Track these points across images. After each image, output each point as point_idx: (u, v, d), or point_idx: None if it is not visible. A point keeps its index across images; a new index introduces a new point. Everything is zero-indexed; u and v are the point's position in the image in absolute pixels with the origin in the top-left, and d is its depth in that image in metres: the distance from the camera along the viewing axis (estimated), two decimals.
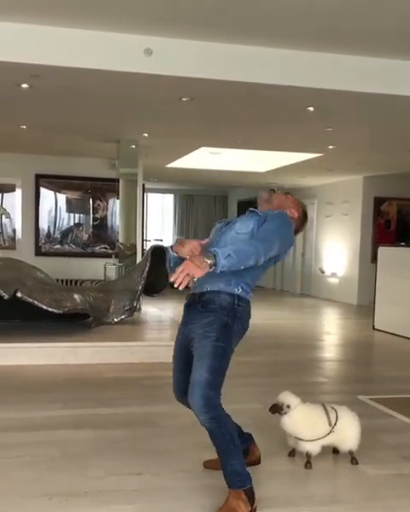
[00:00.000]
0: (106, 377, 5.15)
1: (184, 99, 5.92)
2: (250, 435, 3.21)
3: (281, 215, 2.95)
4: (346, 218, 12.28)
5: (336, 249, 12.63)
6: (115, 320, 6.55)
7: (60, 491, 2.86)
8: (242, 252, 2.60)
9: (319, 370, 5.87)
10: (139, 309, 7.60)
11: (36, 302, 5.64)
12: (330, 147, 8.53)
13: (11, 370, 5.23)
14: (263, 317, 9.57)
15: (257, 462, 3.21)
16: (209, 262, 2.49)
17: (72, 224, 10.36)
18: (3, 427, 3.77)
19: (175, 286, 2.47)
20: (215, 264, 2.50)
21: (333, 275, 12.72)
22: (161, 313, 8.37)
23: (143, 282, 6.51)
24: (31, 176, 10.07)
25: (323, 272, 13.04)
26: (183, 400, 2.90)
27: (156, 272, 6.81)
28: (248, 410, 4.16)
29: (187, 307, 2.88)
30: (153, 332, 6.91)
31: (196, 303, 2.82)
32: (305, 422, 3.26)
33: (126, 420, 3.98)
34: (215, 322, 2.72)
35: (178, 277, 2.46)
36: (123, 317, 6.58)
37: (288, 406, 3.26)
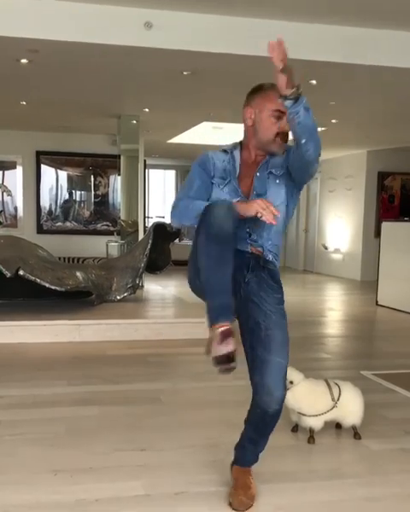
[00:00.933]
0: (110, 354, 5.17)
1: (184, 73, 5.84)
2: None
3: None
4: (349, 193, 12.21)
5: (339, 225, 12.59)
6: (118, 298, 6.56)
7: (65, 467, 2.88)
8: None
9: (322, 346, 5.88)
10: (142, 286, 7.61)
11: (38, 280, 5.64)
12: (334, 121, 8.44)
13: (15, 348, 5.25)
14: None
15: None
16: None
17: (73, 201, 10.33)
18: (8, 404, 3.79)
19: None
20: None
21: (336, 251, 12.70)
22: (164, 291, 8.37)
23: (145, 260, 6.51)
24: (31, 153, 10.02)
25: (326, 248, 13.01)
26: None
27: (159, 249, 6.81)
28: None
29: (250, 266, 2.50)
30: (156, 309, 6.92)
31: (262, 268, 2.52)
32: (308, 398, 3.27)
33: (131, 396, 3.99)
34: (282, 301, 2.60)
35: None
36: (126, 294, 6.58)
37: (291, 382, 3.26)
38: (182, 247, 13.31)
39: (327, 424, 3.30)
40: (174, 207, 2.49)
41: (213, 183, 2.55)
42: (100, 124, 8.98)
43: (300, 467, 2.99)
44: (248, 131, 2.60)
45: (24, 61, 5.55)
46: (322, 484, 2.78)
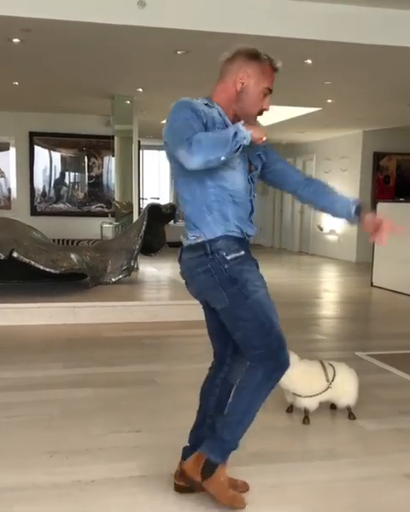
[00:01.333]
0: (105, 337, 5.17)
1: (178, 52, 5.77)
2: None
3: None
4: (345, 173, 12.17)
5: None
6: (113, 280, 6.54)
7: (61, 448, 2.88)
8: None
9: (316, 328, 5.90)
10: (137, 268, 7.59)
11: (32, 262, 5.61)
12: (329, 101, 8.38)
13: (10, 330, 5.24)
14: None
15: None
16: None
17: (67, 182, 10.26)
18: (3, 386, 3.79)
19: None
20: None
21: (332, 232, 12.69)
22: (159, 273, 8.36)
23: (140, 242, 6.48)
24: (24, 134, 9.92)
25: (321, 229, 13.00)
26: None
27: (153, 231, 6.78)
28: None
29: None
30: (151, 291, 6.91)
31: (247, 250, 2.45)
32: (303, 379, 3.28)
33: (126, 379, 4.00)
34: (255, 275, 2.47)
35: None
36: (121, 276, 6.57)
37: None
38: (177, 229, 13.27)
39: (322, 405, 3.31)
40: (195, 142, 2.08)
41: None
42: (94, 104, 8.89)
43: (294, 447, 3.00)
44: (228, 92, 2.36)
45: (16, 40, 5.46)
46: (317, 464, 2.80)
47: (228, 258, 2.27)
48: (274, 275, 9.80)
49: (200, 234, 2.28)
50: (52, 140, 10.03)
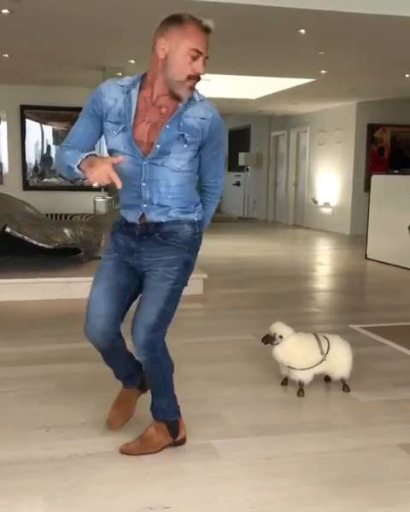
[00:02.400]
0: None
1: None
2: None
3: (222, 125, 2.44)
4: (339, 146, 12.10)
5: (328, 178, 12.52)
6: None
7: (57, 423, 2.90)
8: (209, 217, 2.64)
9: (311, 301, 5.92)
10: None
11: (26, 237, 5.59)
12: (323, 72, 8.29)
13: (4, 306, 5.24)
14: (255, 249, 9.59)
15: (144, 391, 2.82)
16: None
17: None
18: None
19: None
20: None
21: (326, 205, 12.66)
22: None
23: None
24: (15, 107, 9.80)
25: (316, 202, 12.97)
26: (102, 339, 2.58)
27: None
28: (241, 341, 4.21)
29: (137, 236, 2.42)
30: None
31: (152, 233, 2.40)
32: (297, 352, 3.30)
33: None
34: (177, 261, 2.41)
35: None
36: None
37: (280, 336, 3.28)
38: None
39: (316, 377, 3.34)
40: (57, 153, 2.39)
41: (105, 128, 2.33)
42: (85, 76, 8.77)
43: (289, 419, 3.03)
44: (156, 64, 2.28)
45: (5, 11, 5.36)
46: (310, 435, 2.83)
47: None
48: (268, 248, 9.82)
49: None
50: (44, 113, 9.91)
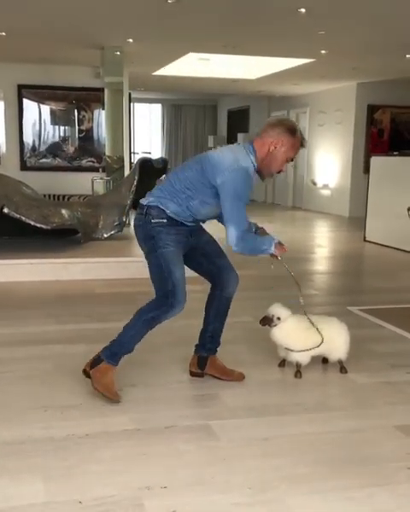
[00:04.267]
0: (98, 293, 5.17)
1: (169, 1, 5.60)
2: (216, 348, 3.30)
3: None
4: (339, 127, 12.02)
5: (328, 160, 12.46)
6: (105, 236, 6.51)
7: (55, 403, 2.91)
8: None
9: (309, 283, 5.92)
10: (129, 224, 7.54)
11: (23, 218, 5.57)
12: (323, 52, 8.21)
13: (2, 287, 5.24)
14: None
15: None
16: None
17: (57, 137, 10.07)
18: None
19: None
20: None
21: (325, 187, 12.62)
22: None
23: (131, 197, 6.43)
24: (13, 86, 9.69)
25: (315, 184, 12.93)
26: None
27: (145, 186, 6.70)
28: (240, 322, 4.21)
29: (194, 231, 3.14)
30: None
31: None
32: (295, 333, 3.30)
33: None
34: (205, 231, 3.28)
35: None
36: (112, 232, 6.53)
37: (278, 318, 3.29)
38: None
39: (314, 359, 3.34)
40: (243, 239, 2.98)
41: None
42: (83, 55, 8.67)
43: (286, 400, 3.04)
44: (264, 152, 2.95)
45: None
46: (308, 416, 2.84)
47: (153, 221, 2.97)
48: (268, 230, 9.79)
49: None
50: (41, 93, 9.80)
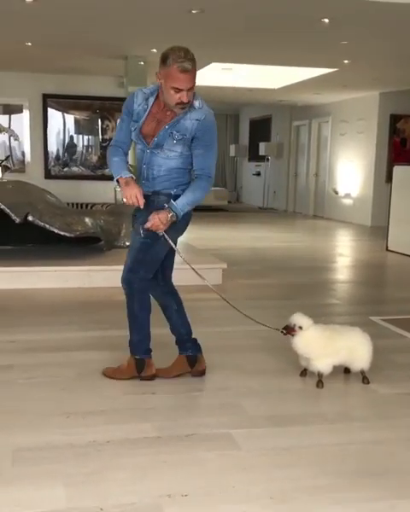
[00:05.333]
0: (120, 300, 5.12)
1: (193, 11, 5.65)
2: (199, 347, 3.43)
3: (213, 127, 3.06)
4: (361, 136, 11.99)
5: (350, 169, 12.42)
6: (127, 243, 6.50)
7: (77, 409, 2.93)
8: (197, 199, 3.04)
9: (331, 292, 5.89)
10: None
11: (47, 226, 5.62)
12: (346, 61, 8.21)
13: (27, 294, 5.29)
14: (275, 239, 9.56)
15: (203, 372, 3.40)
16: (172, 218, 2.97)
17: (80, 145, 10.17)
18: (21, 348, 3.84)
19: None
20: (177, 218, 2.99)
21: (347, 196, 12.57)
22: None
23: None
24: (38, 96, 9.84)
25: (336, 193, 12.88)
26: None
27: None
28: (261, 331, 4.18)
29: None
30: None
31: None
32: (316, 343, 3.29)
33: None
34: (145, 221, 3.03)
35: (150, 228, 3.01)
36: None
37: (300, 327, 3.28)
38: None
39: (336, 369, 3.33)
40: (107, 152, 3.12)
41: (131, 124, 3.06)
42: (107, 65, 8.77)
43: (307, 410, 3.03)
44: (160, 87, 2.97)
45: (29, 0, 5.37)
46: (329, 427, 2.83)
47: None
48: (288, 239, 9.78)
49: None
50: (66, 102, 9.94)
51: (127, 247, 6.69)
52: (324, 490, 2.27)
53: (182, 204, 2.99)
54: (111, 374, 3.33)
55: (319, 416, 2.95)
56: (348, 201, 12.59)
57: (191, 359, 3.36)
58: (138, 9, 5.73)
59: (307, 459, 2.50)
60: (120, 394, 3.14)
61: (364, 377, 3.35)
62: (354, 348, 3.30)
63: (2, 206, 5.40)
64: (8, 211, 5.41)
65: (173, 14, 5.81)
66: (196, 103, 3.01)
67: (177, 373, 3.34)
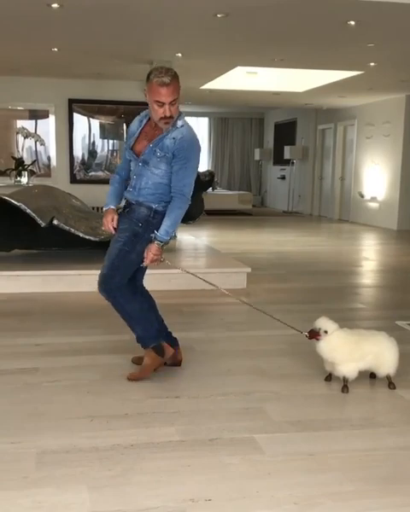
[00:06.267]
0: None
1: (218, 15, 5.66)
2: (176, 339, 3.58)
3: (189, 146, 3.14)
4: (387, 139, 11.88)
5: (376, 172, 12.31)
6: None
7: (101, 413, 2.94)
8: (177, 220, 3.24)
9: (356, 296, 5.84)
10: (175, 236, 7.57)
11: (72, 230, 5.66)
12: (372, 64, 8.14)
13: (52, 297, 5.33)
14: (300, 243, 9.51)
15: (179, 363, 3.58)
16: (162, 246, 3.27)
17: (105, 150, 10.24)
18: (46, 351, 3.87)
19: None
20: (166, 243, 3.28)
21: (373, 199, 12.46)
22: (197, 241, 8.36)
23: None
24: (64, 101, 9.91)
25: (362, 196, 12.78)
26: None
27: (192, 199, 6.73)
28: (285, 336, 4.17)
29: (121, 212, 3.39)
30: (189, 259, 6.92)
31: (123, 210, 3.37)
32: (342, 347, 3.26)
33: None
34: (128, 230, 3.28)
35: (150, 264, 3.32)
36: None
37: (325, 331, 3.25)
38: (215, 197, 13.22)
39: (361, 374, 3.29)
40: (113, 177, 3.48)
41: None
42: (132, 70, 8.82)
43: (333, 415, 3.00)
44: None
45: (55, 5, 5.42)
46: (355, 432, 2.79)
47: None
48: (313, 243, 9.72)
49: None
50: (91, 107, 10.00)
51: None
52: (349, 496, 2.24)
53: (164, 231, 3.21)
54: (137, 376, 3.38)
55: (344, 421, 2.92)
56: (373, 205, 12.48)
57: (158, 349, 3.44)
58: (164, 14, 5.75)
59: (333, 465, 2.48)
60: (145, 398, 3.14)
61: (390, 383, 3.31)
62: (381, 353, 3.26)
63: (28, 211, 5.44)
64: (34, 215, 5.46)
65: (199, 18, 5.82)
66: (179, 122, 3.17)
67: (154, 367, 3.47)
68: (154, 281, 5.64)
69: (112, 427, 2.79)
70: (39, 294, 5.40)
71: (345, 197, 13.65)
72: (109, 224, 3.33)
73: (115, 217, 3.33)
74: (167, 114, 3.08)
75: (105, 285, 3.33)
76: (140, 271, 3.52)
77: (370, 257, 8.71)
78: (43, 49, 7.52)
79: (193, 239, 8.39)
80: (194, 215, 7.10)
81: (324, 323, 3.29)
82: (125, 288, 3.35)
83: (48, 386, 3.30)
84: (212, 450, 2.59)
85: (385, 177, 12.04)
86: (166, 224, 3.21)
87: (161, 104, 3.06)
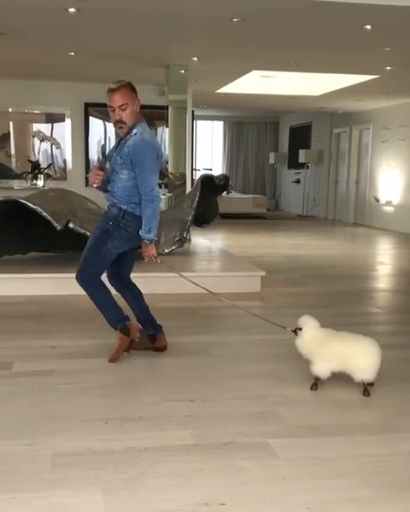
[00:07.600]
0: (158, 307, 5.18)
1: (234, 20, 5.67)
2: (160, 327, 3.92)
3: (141, 151, 3.45)
4: (403, 143, 11.82)
5: (391, 176, 12.25)
6: (166, 251, 6.57)
7: (115, 415, 2.95)
8: (152, 217, 3.51)
9: (371, 300, 5.81)
10: (189, 240, 7.60)
11: (88, 233, 5.67)
12: (388, 68, 8.12)
13: (66, 300, 5.36)
14: (314, 247, 9.48)
15: (163, 349, 3.90)
16: (152, 243, 3.59)
17: None
18: (59, 354, 3.89)
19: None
20: (153, 240, 3.59)
21: (388, 203, 12.40)
22: (211, 244, 8.37)
23: (192, 213, 6.48)
24: (80, 105, 9.98)
25: (378, 200, 12.72)
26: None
27: (206, 202, 6.77)
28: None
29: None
30: (203, 263, 6.93)
31: (106, 211, 3.75)
32: (317, 346, 3.28)
33: (179, 349, 4.04)
34: (100, 227, 3.67)
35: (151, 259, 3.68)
36: (173, 247, 6.59)
37: (300, 329, 3.32)
38: (230, 201, 13.22)
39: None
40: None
41: None
42: (148, 74, 8.85)
43: (347, 420, 2.98)
44: None
45: (72, 10, 5.46)
46: (369, 437, 2.78)
47: None
48: (328, 247, 9.69)
49: None
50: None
51: (166, 254, 6.83)
52: (364, 502, 2.23)
53: (144, 231, 3.52)
54: (114, 355, 3.71)
55: (358, 426, 2.91)
56: (389, 209, 12.42)
57: (151, 337, 3.87)
58: (180, 18, 5.77)
59: (348, 470, 2.47)
60: (159, 401, 3.15)
61: (365, 389, 3.25)
62: (352, 357, 3.20)
63: (44, 214, 5.48)
64: (49, 218, 5.49)
65: (214, 22, 5.83)
66: (134, 130, 3.50)
67: (142, 347, 3.86)
68: (169, 284, 5.68)
69: (126, 430, 2.80)
70: (55, 297, 5.43)
71: (360, 201, 13.60)
72: (94, 176, 3.64)
73: (101, 172, 3.65)
74: (117, 118, 3.46)
75: (78, 274, 3.70)
76: (125, 268, 3.88)
77: (385, 261, 8.66)
78: (60, 53, 7.57)
79: (207, 242, 8.39)
80: (208, 218, 7.12)
81: (302, 321, 3.35)
82: (95, 279, 3.68)
83: (63, 388, 3.32)
84: (226, 454, 2.58)
85: (401, 181, 11.98)
86: (143, 223, 3.52)
87: (113, 109, 3.45)
